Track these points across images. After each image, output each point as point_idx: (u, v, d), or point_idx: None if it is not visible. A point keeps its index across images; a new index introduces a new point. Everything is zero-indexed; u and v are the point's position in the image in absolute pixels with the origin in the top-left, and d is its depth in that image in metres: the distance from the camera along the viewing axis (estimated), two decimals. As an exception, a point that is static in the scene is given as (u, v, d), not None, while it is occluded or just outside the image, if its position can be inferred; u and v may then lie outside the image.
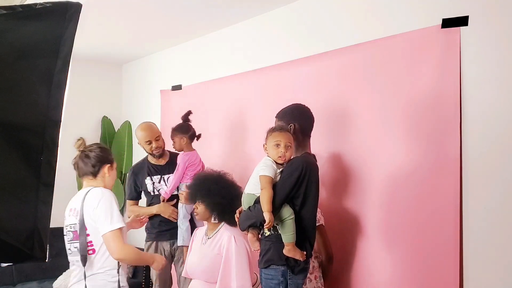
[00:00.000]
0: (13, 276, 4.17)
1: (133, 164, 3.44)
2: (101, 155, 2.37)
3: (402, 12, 2.53)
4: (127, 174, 3.31)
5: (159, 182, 3.18)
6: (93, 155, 2.36)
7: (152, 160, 3.22)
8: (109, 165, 2.39)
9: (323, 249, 2.62)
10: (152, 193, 3.21)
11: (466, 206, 2.23)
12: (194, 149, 3.11)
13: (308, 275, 2.53)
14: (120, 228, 2.22)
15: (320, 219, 2.61)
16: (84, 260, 2.24)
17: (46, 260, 1.23)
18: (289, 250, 2.11)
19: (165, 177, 3.18)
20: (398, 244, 2.46)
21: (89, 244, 2.25)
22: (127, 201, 3.32)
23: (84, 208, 2.26)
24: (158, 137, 3.13)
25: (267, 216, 2.05)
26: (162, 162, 3.21)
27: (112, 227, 2.19)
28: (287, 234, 2.11)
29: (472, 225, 2.22)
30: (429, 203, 2.32)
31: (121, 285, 2.26)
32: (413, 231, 2.38)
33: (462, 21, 2.23)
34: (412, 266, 2.38)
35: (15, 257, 1.26)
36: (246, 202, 2.22)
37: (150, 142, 3.10)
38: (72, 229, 2.31)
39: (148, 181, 3.20)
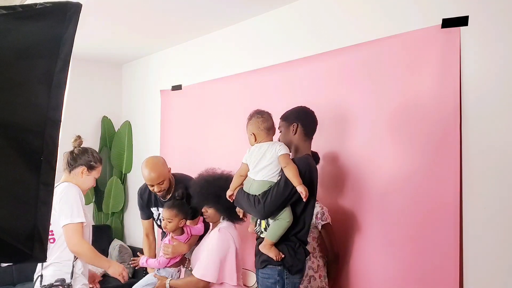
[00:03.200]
0: (13, 276, 4.17)
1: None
2: (81, 157, 2.51)
3: (402, 12, 2.53)
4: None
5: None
6: (76, 153, 2.52)
7: None
8: (85, 167, 2.50)
9: (330, 248, 2.62)
10: (155, 222, 3.10)
11: (466, 206, 2.23)
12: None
13: (313, 273, 2.53)
14: (81, 224, 2.36)
15: (327, 217, 2.61)
16: None
17: (46, 260, 1.23)
18: (264, 246, 2.13)
19: None
20: (399, 243, 2.46)
21: (50, 233, 2.33)
22: (142, 220, 3.16)
23: None
24: (162, 181, 2.80)
25: (302, 188, 2.06)
26: (167, 196, 2.93)
27: (72, 220, 2.32)
28: (274, 233, 2.13)
29: (472, 225, 2.22)
30: (429, 203, 2.32)
31: (74, 276, 2.37)
32: (414, 231, 2.39)
33: (462, 21, 2.23)
34: (413, 265, 2.38)
35: (15, 257, 1.26)
36: (258, 189, 2.16)
37: (152, 186, 2.84)
38: None
39: (154, 210, 3.06)
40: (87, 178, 2.51)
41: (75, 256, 2.39)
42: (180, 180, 2.97)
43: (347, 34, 2.79)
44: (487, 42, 2.19)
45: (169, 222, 2.59)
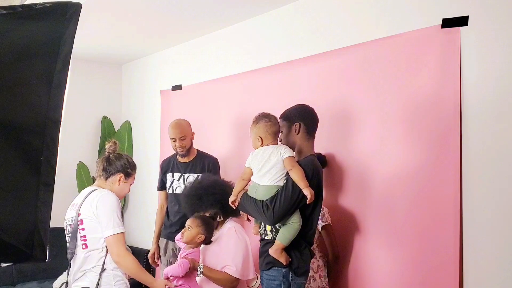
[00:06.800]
0: (13, 276, 4.17)
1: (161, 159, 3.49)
2: (117, 162, 2.42)
3: (402, 12, 2.53)
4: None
5: (178, 179, 3.21)
6: (111, 159, 2.44)
7: (178, 157, 3.26)
8: (122, 175, 2.41)
9: (330, 248, 2.62)
10: (167, 190, 3.28)
11: (466, 206, 2.23)
12: None
13: (313, 274, 2.53)
14: (123, 234, 2.28)
15: (327, 218, 2.61)
16: (71, 253, 2.30)
17: (46, 260, 1.23)
18: (276, 250, 2.09)
19: (186, 175, 3.20)
20: (399, 243, 2.46)
21: (82, 238, 2.28)
22: (158, 192, 3.41)
23: (85, 204, 2.30)
24: (184, 137, 3.13)
25: (308, 191, 2.03)
26: (185, 160, 3.23)
27: (115, 231, 2.24)
28: (286, 237, 2.09)
29: (472, 225, 2.22)
30: (429, 203, 2.32)
31: (126, 283, 2.32)
32: (414, 231, 2.38)
33: (462, 21, 2.23)
34: (413, 265, 2.38)
35: (15, 257, 1.26)
36: (265, 194, 2.13)
37: (174, 140, 3.14)
38: (70, 222, 2.36)
39: (169, 177, 3.25)
40: (123, 185, 2.43)
41: (103, 266, 2.27)
42: (203, 154, 3.27)
43: (347, 34, 2.79)
44: (487, 42, 2.19)
45: (188, 229, 2.42)
